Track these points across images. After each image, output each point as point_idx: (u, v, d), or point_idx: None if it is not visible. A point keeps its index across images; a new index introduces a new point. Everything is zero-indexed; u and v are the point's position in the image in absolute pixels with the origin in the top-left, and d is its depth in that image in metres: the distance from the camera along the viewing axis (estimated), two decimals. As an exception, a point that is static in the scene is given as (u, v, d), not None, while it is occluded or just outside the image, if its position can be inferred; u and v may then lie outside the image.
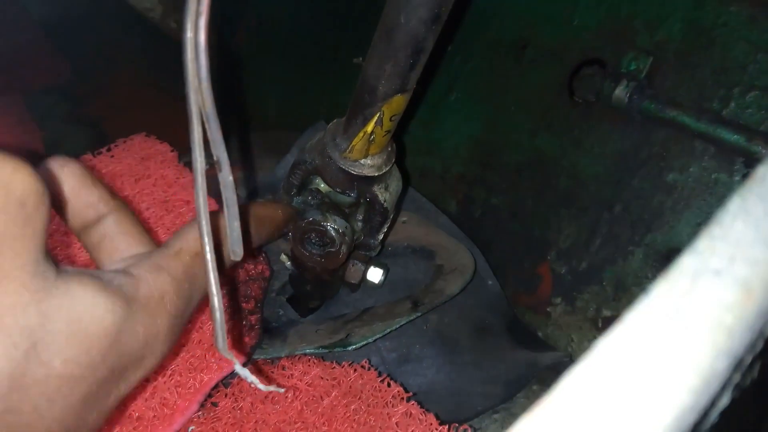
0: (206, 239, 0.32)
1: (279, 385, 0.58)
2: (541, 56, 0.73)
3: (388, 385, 0.59)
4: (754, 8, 0.59)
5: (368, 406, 0.58)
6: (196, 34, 0.29)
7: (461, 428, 0.57)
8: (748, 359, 0.18)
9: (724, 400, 0.18)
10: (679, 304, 0.17)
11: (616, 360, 0.16)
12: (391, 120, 0.50)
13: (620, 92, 0.64)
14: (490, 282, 0.73)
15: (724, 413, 0.18)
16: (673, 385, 0.16)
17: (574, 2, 0.70)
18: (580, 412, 0.15)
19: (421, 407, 0.58)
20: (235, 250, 0.34)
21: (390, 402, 0.58)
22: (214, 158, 0.31)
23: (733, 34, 0.60)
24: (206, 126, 0.30)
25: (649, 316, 0.17)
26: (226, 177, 0.32)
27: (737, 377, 0.18)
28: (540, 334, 0.73)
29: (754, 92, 0.59)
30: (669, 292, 0.17)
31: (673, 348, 0.16)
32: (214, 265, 0.33)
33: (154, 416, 0.55)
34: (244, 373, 0.35)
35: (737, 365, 0.17)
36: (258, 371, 0.62)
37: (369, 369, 0.61)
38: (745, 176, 0.60)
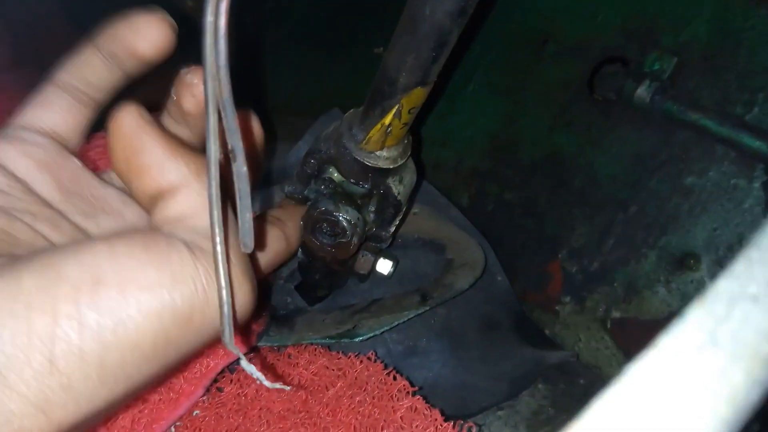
0: (217, 230, 0.32)
1: (284, 382, 0.58)
2: (562, 52, 0.72)
3: (394, 378, 0.59)
4: (783, 12, 0.58)
5: (373, 398, 0.58)
6: (216, 19, 0.28)
7: (466, 425, 0.57)
8: (781, 388, 0.17)
9: (754, 429, 0.17)
10: (715, 330, 0.16)
11: (647, 386, 0.16)
12: (409, 113, 0.50)
13: (642, 92, 0.63)
14: (499, 278, 0.72)
15: (753, 442, 0.18)
16: (705, 416, 0.15)
17: (599, -2, 0.69)
18: (609, 440, 0.15)
19: (427, 402, 0.57)
20: (246, 242, 0.34)
21: (395, 395, 0.58)
22: (229, 147, 0.31)
23: (760, 38, 0.59)
24: (222, 114, 0.30)
25: (682, 342, 0.16)
26: (241, 167, 0.31)
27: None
28: (547, 332, 0.72)
29: (779, 98, 0.58)
30: (704, 317, 0.17)
31: (706, 376, 0.16)
32: (225, 257, 0.32)
33: (160, 399, 0.55)
34: (250, 368, 0.34)
35: (771, 396, 0.16)
36: (263, 359, 0.62)
37: (375, 361, 0.61)
38: (764, 183, 0.59)
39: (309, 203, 0.59)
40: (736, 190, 0.60)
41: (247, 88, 0.99)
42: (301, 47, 1.02)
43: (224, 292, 0.32)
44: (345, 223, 0.56)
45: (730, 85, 0.60)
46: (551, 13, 0.73)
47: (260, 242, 0.45)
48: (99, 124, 0.78)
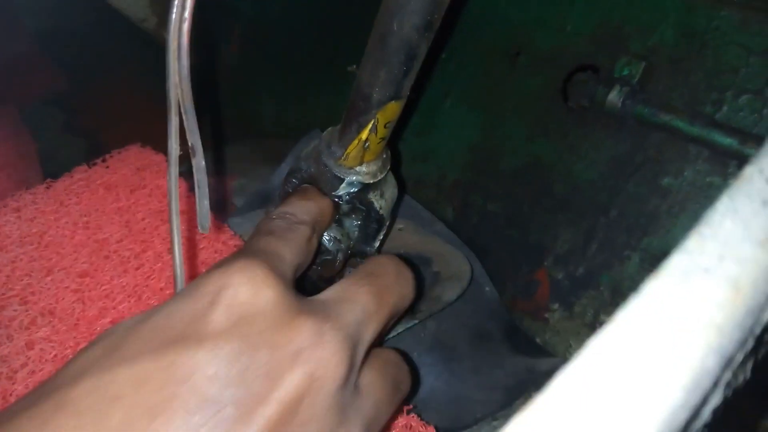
0: (174, 221, 0.37)
1: None
2: (535, 62, 0.74)
3: (388, 396, 0.59)
4: (745, 12, 0.60)
5: (368, 417, 0.58)
6: (180, 33, 0.31)
7: (461, 437, 0.57)
8: (740, 358, 0.18)
9: (716, 399, 0.18)
10: (669, 302, 0.17)
11: (607, 359, 0.16)
12: (385, 127, 0.51)
13: (613, 97, 0.64)
14: (487, 288, 0.73)
15: (717, 412, 0.18)
16: (664, 383, 0.16)
17: (568, 9, 0.71)
18: (573, 411, 0.15)
19: (421, 419, 0.57)
20: (203, 224, 0.38)
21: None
22: (189, 145, 0.35)
23: (725, 38, 0.61)
24: (183, 117, 0.34)
25: (639, 315, 0.17)
26: (200, 162, 0.36)
27: (728, 376, 0.18)
28: (538, 339, 0.73)
29: (746, 95, 0.59)
30: (659, 290, 0.17)
31: (663, 346, 0.16)
32: (180, 248, 0.37)
33: None
34: None
35: (728, 363, 0.17)
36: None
37: None
38: (739, 179, 0.60)
39: None
40: (712, 188, 0.61)
41: (226, 113, 1.00)
42: (280, 72, 1.04)
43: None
44: (329, 240, 0.56)
45: (699, 86, 0.62)
46: (522, 26, 0.75)
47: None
48: (80, 156, 0.79)
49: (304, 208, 0.50)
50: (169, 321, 0.31)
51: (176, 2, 0.30)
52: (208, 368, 0.29)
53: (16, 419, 0.28)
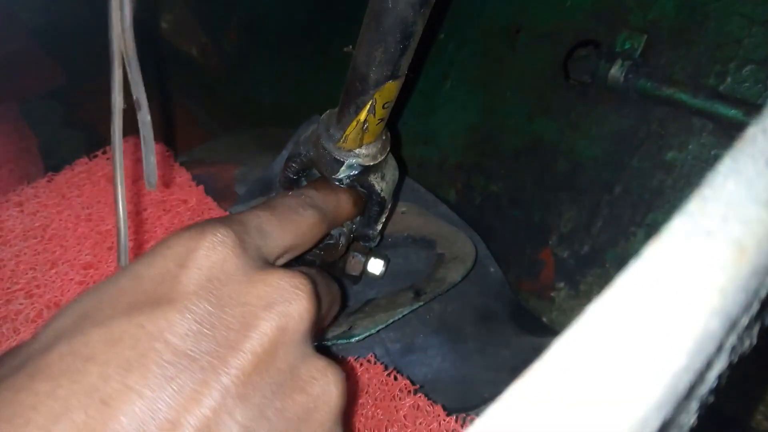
0: (118, 173, 0.36)
1: None
2: (535, 40, 0.73)
3: (395, 378, 0.59)
4: (747, -18, 0.59)
5: (375, 399, 0.58)
6: None
7: (468, 418, 0.57)
8: (745, 321, 0.18)
9: (722, 364, 0.18)
10: (671, 265, 0.16)
11: (608, 323, 0.16)
12: (384, 108, 0.50)
13: (615, 72, 0.63)
14: (492, 269, 0.72)
15: (723, 377, 0.18)
16: (666, 346, 0.15)
17: (566, -16, 0.70)
18: (573, 376, 0.15)
19: (429, 399, 0.57)
20: (150, 180, 0.38)
21: (397, 395, 0.58)
22: (134, 98, 0.35)
23: (726, 9, 0.60)
24: (127, 69, 0.33)
25: (640, 279, 0.16)
26: (145, 116, 0.35)
27: (734, 340, 0.18)
28: (544, 319, 0.72)
29: (750, 66, 0.58)
30: (660, 253, 0.17)
31: (665, 309, 0.16)
32: (123, 199, 0.37)
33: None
34: None
35: (733, 327, 0.17)
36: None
37: (375, 363, 0.61)
38: (744, 151, 0.59)
39: None
40: (717, 161, 0.60)
41: (225, 101, 1.00)
42: (279, 58, 1.03)
43: (123, 236, 0.37)
44: (331, 224, 0.56)
45: (702, 58, 0.61)
46: (522, 3, 0.74)
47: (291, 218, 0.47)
48: (81, 149, 0.79)
49: (324, 197, 0.52)
50: (138, 283, 0.32)
51: None
52: (181, 325, 0.30)
53: None
